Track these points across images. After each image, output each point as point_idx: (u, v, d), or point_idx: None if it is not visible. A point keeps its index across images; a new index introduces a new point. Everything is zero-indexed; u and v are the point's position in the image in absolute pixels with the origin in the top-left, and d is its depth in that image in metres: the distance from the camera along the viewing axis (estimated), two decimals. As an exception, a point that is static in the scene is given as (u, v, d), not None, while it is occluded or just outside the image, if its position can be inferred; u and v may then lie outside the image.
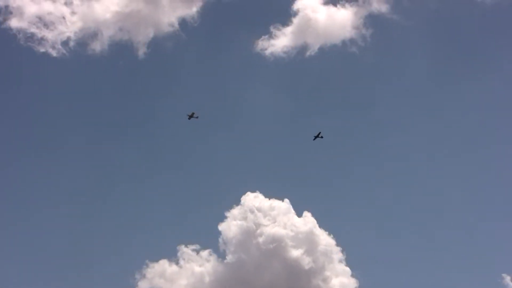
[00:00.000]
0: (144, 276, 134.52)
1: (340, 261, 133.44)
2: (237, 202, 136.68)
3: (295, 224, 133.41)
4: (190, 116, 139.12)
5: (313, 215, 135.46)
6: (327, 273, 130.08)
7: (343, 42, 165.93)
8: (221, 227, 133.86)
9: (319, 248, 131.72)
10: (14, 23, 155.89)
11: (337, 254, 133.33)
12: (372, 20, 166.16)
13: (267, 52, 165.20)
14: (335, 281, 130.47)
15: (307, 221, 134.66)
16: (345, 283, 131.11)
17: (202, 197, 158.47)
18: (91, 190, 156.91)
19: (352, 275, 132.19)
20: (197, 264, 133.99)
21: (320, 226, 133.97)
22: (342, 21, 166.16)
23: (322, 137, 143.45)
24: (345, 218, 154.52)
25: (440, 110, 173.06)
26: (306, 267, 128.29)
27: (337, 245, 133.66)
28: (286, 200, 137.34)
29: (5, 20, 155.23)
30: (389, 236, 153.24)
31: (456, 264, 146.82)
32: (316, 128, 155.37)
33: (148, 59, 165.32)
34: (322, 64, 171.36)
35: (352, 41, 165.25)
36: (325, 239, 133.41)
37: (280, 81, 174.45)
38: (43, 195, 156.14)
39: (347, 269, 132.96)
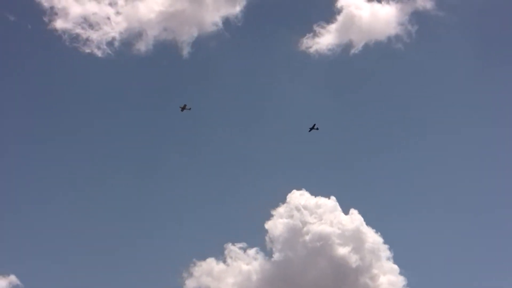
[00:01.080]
0: (191, 275, 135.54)
1: (388, 259, 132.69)
2: (283, 200, 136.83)
3: (341, 222, 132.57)
4: (183, 108, 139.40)
5: (360, 212, 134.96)
6: (375, 271, 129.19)
7: (388, 39, 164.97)
8: (268, 225, 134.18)
9: (366, 246, 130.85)
10: (59, 24, 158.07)
11: (384, 251, 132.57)
12: (417, 17, 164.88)
13: (312, 50, 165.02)
14: (383, 279, 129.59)
15: (354, 219, 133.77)
16: (393, 281, 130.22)
17: (248, 196, 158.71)
18: (138, 189, 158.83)
19: (401, 273, 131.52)
20: (244, 262, 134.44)
21: (367, 224, 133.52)
22: (386, 17, 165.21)
23: (317, 128, 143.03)
24: (393, 215, 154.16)
25: (487, 107, 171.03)
26: (353, 265, 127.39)
27: (385, 242, 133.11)
28: (333, 197, 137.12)
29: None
30: (438, 233, 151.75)
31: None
32: (362, 125, 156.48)
33: (192, 58, 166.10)
34: (367, 61, 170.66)
35: (397, 37, 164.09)
36: (372, 237, 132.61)
37: (325, 79, 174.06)
38: (90, 194, 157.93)
39: (395, 266, 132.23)
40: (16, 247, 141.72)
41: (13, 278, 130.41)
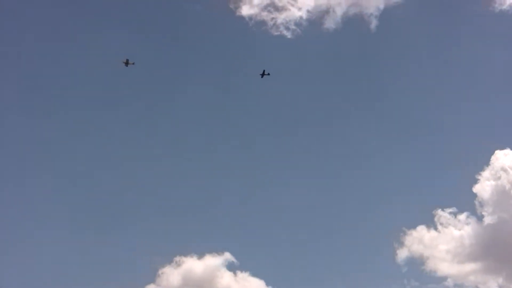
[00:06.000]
0: (402, 244, 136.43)
1: None
2: (487, 162, 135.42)
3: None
4: (126, 63, 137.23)
5: None
6: None
7: None
8: (476, 189, 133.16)
9: None
10: (245, 10, 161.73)
11: None
12: None
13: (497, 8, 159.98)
14: None
15: None
16: None
17: (452, 161, 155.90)
18: (335, 166, 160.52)
19: None
20: (456, 228, 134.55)
21: None
22: None
23: (268, 74, 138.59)
24: None
25: None
26: None
27: None
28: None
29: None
30: None
31: None
32: None
33: (380, 31, 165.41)
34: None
35: None
36: None
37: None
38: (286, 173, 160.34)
39: None
40: (229, 227, 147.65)
41: (228, 255, 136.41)
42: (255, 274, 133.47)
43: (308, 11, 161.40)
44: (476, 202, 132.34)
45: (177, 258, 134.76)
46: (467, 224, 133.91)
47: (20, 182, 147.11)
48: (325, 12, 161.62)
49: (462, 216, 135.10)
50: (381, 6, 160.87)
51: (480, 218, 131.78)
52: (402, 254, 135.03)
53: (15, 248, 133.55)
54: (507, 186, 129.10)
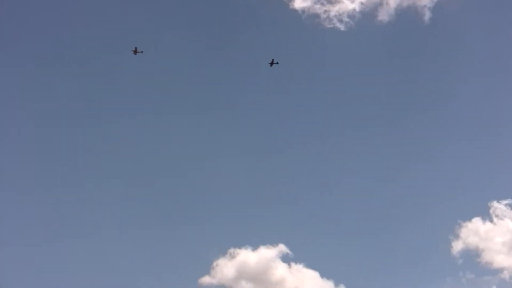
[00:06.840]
0: (457, 237, 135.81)
1: None
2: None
3: None
4: (135, 52, 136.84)
5: None
6: None
7: None
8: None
9: None
10: (298, 3, 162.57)
11: None
12: None
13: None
14: None
15: None
16: None
17: (507, 152, 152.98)
18: (389, 160, 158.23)
19: None
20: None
21: None
22: None
23: (277, 62, 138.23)
24: None
25: None
26: None
27: None
28: None
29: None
30: None
31: None
32: None
33: (433, 23, 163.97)
34: None
35: None
36: None
37: None
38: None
39: None
40: (284, 218, 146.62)
41: (282, 247, 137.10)
42: (309, 265, 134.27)
43: (361, 3, 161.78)
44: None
45: (232, 250, 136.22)
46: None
47: (80, 179, 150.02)
48: (378, 4, 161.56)
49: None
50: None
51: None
52: (457, 246, 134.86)
53: (73, 243, 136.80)
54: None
